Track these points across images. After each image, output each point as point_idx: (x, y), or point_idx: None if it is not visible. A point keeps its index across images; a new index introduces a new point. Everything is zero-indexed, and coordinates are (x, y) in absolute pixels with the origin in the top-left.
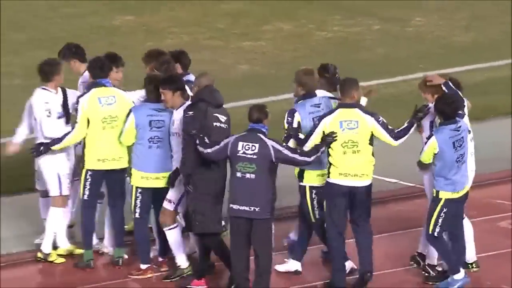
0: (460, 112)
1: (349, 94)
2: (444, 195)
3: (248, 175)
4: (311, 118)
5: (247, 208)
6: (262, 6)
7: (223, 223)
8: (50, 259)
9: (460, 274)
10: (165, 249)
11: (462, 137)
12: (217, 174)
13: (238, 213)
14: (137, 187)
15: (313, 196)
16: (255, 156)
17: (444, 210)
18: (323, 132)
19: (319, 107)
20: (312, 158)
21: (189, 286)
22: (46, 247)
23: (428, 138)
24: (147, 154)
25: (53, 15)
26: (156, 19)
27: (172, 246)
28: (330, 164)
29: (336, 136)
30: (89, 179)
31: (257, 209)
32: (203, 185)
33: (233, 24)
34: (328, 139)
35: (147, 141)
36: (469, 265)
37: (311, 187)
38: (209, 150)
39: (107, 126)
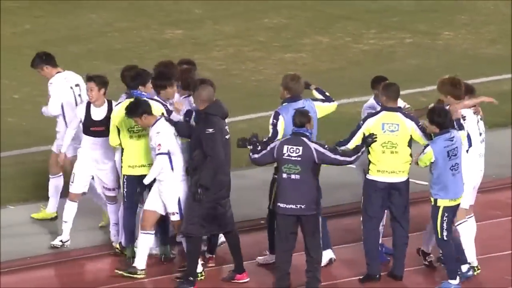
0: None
1: (393, 99)
2: (442, 203)
3: (293, 176)
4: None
5: (293, 206)
6: (302, 20)
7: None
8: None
9: (455, 281)
10: (213, 247)
11: (456, 147)
12: (226, 178)
13: (285, 211)
14: None
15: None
16: (299, 158)
17: (446, 214)
18: (363, 133)
19: None
20: (353, 158)
21: (234, 281)
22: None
23: (425, 147)
24: None
25: (109, 29)
26: (203, 33)
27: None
28: (370, 162)
29: (376, 137)
30: (125, 183)
31: (303, 207)
32: (208, 192)
33: (274, 37)
34: (368, 140)
35: None
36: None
37: None
38: (256, 156)
39: (134, 135)
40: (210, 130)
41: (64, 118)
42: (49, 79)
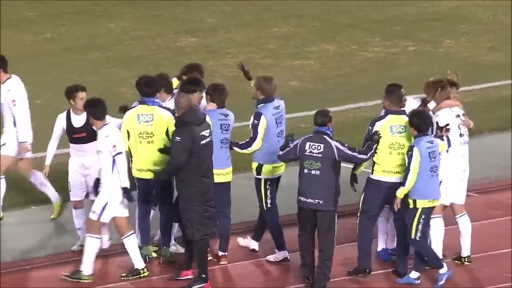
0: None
1: (396, 104)
2: (421, 204)
3: (313, 172)
4: (274, 119)
5: (312, 201)
6: (310, 29)
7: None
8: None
9: (444, 269)
10: (225, 245)
11: (435, 151)
12: (209, 180)
13: (304, 205)
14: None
15: (267, 187)
16: (320, 155)
17: (423, 216)
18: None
19: (278, 109)
20: (368, 155)
21: (180, 278)
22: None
23: (409, 151)
24: (219, 153)
25: (126, 37)
26: (216, 41)
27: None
28: (374, 162)
29: (380, 134)
30: (137, 185)
31: (320, 202)
32: (195, 196)
33: (283, 45)
34: (375, 137)
35: (219, 142)
36: (463, 258)
37: (266, 180)
38: (280, 152)
39: (143, 140)
40: (178, 138)
41: (14, 121)
42: None
